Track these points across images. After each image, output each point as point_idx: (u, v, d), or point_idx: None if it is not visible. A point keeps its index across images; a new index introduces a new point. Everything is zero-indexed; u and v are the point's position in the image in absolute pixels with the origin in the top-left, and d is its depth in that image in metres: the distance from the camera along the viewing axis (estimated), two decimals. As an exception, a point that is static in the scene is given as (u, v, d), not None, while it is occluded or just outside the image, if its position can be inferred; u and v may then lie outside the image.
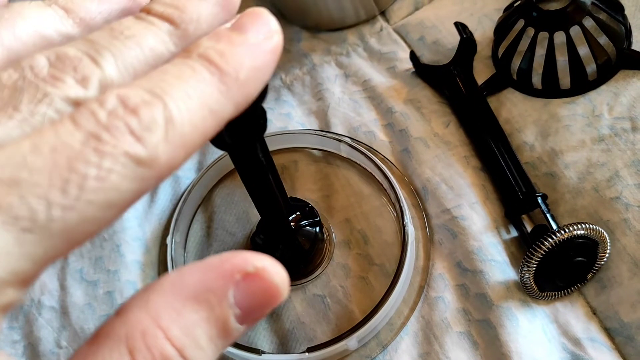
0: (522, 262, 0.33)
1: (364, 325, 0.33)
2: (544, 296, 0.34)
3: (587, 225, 0.33)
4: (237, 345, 0.33)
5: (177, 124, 0.13)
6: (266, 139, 0.26)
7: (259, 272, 0.14)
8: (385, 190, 0.39)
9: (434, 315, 0.35)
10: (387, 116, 0.42)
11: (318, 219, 0.37)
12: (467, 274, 0.36)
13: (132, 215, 0.41)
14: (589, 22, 0.37)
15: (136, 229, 0.41)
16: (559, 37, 0.38)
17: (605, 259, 0.34)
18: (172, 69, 0.14)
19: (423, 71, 0.43)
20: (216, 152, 0.43)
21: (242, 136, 0.23)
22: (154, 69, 0.14)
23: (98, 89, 0.14)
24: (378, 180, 0.39)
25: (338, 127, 0.42)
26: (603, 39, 0.38)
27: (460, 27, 0.43)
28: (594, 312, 0.34)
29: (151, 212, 0.41)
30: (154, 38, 0.15)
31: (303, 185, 0.41)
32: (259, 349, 0.33)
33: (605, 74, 0.39)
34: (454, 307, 0.35)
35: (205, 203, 0.42)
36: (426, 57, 0.44)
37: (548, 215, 0.35)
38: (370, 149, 0.41)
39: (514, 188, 0.37)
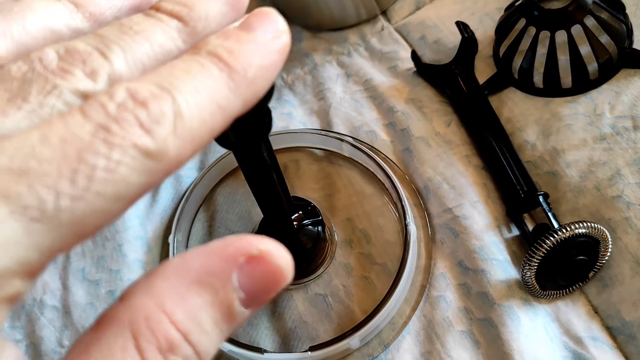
0: (524, 260, 0.33)
1: (366, 324, 0.33)
2: (545, 295, 0.34)
3: (589, 224, 0.33)
4: (239, 344, 0.34)
5: (186, 118, 0.13)
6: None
7: (263, 255, 0.14)
8: (387, 189, 0.39)
9: (436, 314, 0.35)
10: (389, 115, 0.42)
11: (320, 218, 0.37)
12: (469, 273, 0.36)
13: (134, 215, 0.41)
14: (590, 21, 0.37)
15: (138, 228, 0.41)
16: (561, 36, 0.38)
17: (606, 258, 0.34)
18: (181, 64, 0.14)
19: (424, 70, 0.43)
20: (218, 151, 0.43)
21: (247, 135, 0.23)
22: (163, 65, 0.14)
23: (107, 83, 0.14)
24: (380, 180, 0.39)
25: (339, 127, 0.42)
26: (604, 38, 0.38)
27: (462, 26, 0.43)
28: (595, 310, 0.34)
29: (153, 211, 0.41)
30: (162, 34, 0.15)
31: (305, 185, 0.41)
32: (262, 348, 0.34)
33: (606, 73, 0.39)
34: (456, 306, 0.35)
35: (207, 202, 0.42)
36: (427, 57, 0.44)
37: (549, 214, 0.35)
38: (372, 148, 0.41)
39: (515, 187, 0.37)
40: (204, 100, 0.13)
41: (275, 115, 0.44)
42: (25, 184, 0.12)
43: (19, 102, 0.13)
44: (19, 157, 0.12)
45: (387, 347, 0.35)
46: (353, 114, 0.43)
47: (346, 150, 0.41)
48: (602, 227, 0.33)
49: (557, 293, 0.35)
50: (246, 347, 0.33)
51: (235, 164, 0.41)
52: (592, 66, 0.38)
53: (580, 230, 0.32)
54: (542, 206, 0.35)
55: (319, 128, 0.43)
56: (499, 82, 0.41)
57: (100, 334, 0.13)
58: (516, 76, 0.41)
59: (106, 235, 0.41)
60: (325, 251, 0.38)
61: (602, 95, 0.39)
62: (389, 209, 0.39)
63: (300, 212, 0.37)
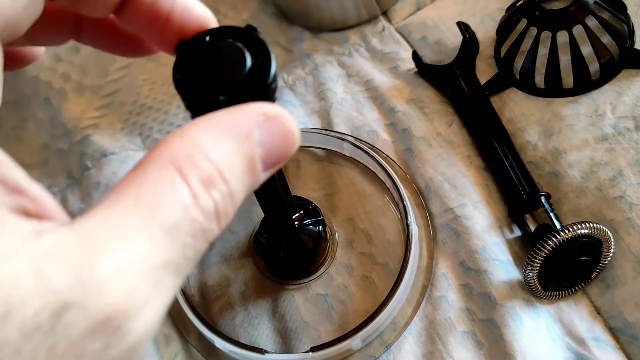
0: (526, 261, 0.33)
1: (368, 325, 0.33)
2: (547, 295, 0.34)
3: (591, 225, 0.33)
4: (240, 345, 0.33)
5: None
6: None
7: (278, 115, 0.17)
8: (389, 189, 0.39)
9: (438, 314, 0.35)
10: (390, 116, 0.42)
11: (321, 218, 0.37)
12: (471, 273, 0.35)
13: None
14: (591, 22, 0.37)
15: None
16: (562, 37, 0.38)
17: (609, 258, 0.34)
18: None
19: (425, 71, 0.43)
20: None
21: None
22: None
23: None
24: (381, 180, 0.39)
25: (340, 127, 0.42)
26: (606, 38, 0.38)
27: (463, 26, 0.43)
28: (598, 311, 0.34)
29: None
30: None
31: (305, 184, 0.41)
32: (262, 349, 0.33)
33: (608, 73, 0.39)
34: (458, 307, 0.35)
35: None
36: (428, 57, 0.44)
37: (551, 214, 0.35)
38: (373, 147, 0.41)
39: (517, 187, 0.37)
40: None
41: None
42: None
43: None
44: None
45: (389, 348, 0.35)
46: (354, 114, 0.43)
47: (347, 150, 0.40)
48: (604, 228, 0.33)
49: (559, 294, 0.34)
50: (247, 348, 0.33)
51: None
52: (594, 66, 0.38)
53: (582, 231, 0.32)
54: (544, 207, 0.35)
55: (320, 127, 0.43)
56: (500, 83, 0.41)
57: (143, 170, 0.14)
58: (517, 76, 0.41)
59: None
60: (326, 251, 0.38)
61: (603, 96, 0.38)
62: (390, 209, 0.39)
63: (302, 212, 0.37)
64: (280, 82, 0.46)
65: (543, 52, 0.39)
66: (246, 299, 0.37)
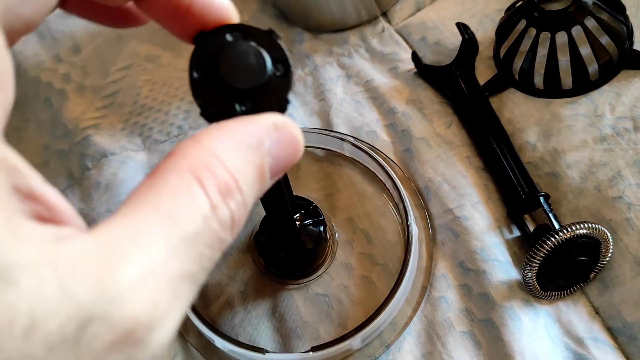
0: (525, 261, 0.33)
1: (368, 325, 0.33)
2: (546, 296, 0.34)
3: (590, 225, 0.33)
4: (240, 344, 0.33)
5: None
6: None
7: (285, 124, 0.17)
8: (388, 189, 0.39)
9: (437, 315, 0.35)
10: (389, 116, 0.42)
11: (322, 218, 0.37)
12: (470, 273, 0.36)
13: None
14: (590, 22, 0.37)
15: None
16: (561, 38, 0.38)
17: (607, 259, 0.34)
18: None
19: (425, 72, 0.43)
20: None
21: None
22: None
23: None
24: (381, 180, 0.39)
25: (340, 128, 0.42)
26: (605, 39, 0.38)
27: (462, 27, 0.43)
28: (596, 311, 0.34)
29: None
30: None
31: (305, 184, 0.41)
32: (263, 348, 0.33)
33: (607, 74, 0.39)
34: (457, 307, 0.35)
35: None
36: (428, 58, 0.44)
37: (550, 214, 0.35)
38: (373, 148, 0.41)
39: (516, 188, 0.37)
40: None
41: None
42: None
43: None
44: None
45: (389, 348, 0.35)
46: (354, 114, 0.43)
47: (347, 150, 0.41)
48: (603, 228, 0.33)
49: (558, 294, 0.35)
50: (247, 347, 0.33)
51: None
52: (593, 67, 0.38)
53: (581, 231, 0.32)
54: (542, 207, 0.35)
55: (320, 127, 0.43)
56: (499, 83, 0.41)
57: (160, 178, 0.15)
58: (517, 77, 0.41)
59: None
60: (326, 251, 0.38)
61: (602, 96, 0.39)
62: (390, 209, 0.39)
63: (302, 212, 0.37)
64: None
65: (542, 52, 0.39)
66: (246, 299, 0.37)
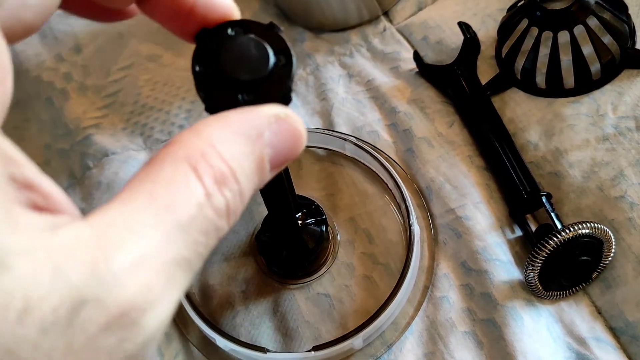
0: (527, 261, 0.33)
1: (370, 325, 0.33)
2: (548, 295, 0.34)
3: (592, 224, 0.33)
4: (242, 344, 0.33)
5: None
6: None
7: (288, 116, 0.17)
8: (390, 189, 0.39)
9: (439, 315, 0.35)
10: (391, 116, 0.42)
11: (324, 217, 0.37)
12: (472, 273, 0.36)
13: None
14: (592, 22, 0.37)
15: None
16: (563, 37, 0.38)
17: (610, 258, 0.34)
18: None
19: (426, 71, 0.43)
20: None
21: None
22: None
23: None
24: (382, 180, 0.39)
25: (342, 127, 0.42)
26: (607, 39, 0.38)
27: (464, 27, 0.43)
28: (599, 311, 0.34)
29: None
30: None
31: (307, 184, 0.41)
32: (264, 347, 0.33)
33: (609, 74, 0.39)
34: (459, 307, 0.35)
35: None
36: (430, 57, 0.44)
37: (552, 214, 0.35)
38: (375, 148, 0.41)
39: (518, 187, 0.37)
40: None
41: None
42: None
43: None
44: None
45: (390, 348, 0.35)
46: (355, 114, 0.43)
47: (349, 150, 0.41)
48: (605, 228, 0.33)
49: (560, 294, 0.35)
50: (249, 347, 0.33)
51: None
52: (595, 66, 0.38)
53: (583, 231, 0.32)
54: (545, 207, 0.35)
55: (322, 127, 0.43)
56: (501, 83, 0.41)
57: (157, 167, 0.15)
58: (519, 77, 0.41)
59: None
60: (328, 251, 0.38)
61: (604, 96, 0.39)
62: (392, 209, 0.39)
63: (304, 211, 0.37)
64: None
65: (544, 52, 0.39)
66: (247, 298, 0.37)
